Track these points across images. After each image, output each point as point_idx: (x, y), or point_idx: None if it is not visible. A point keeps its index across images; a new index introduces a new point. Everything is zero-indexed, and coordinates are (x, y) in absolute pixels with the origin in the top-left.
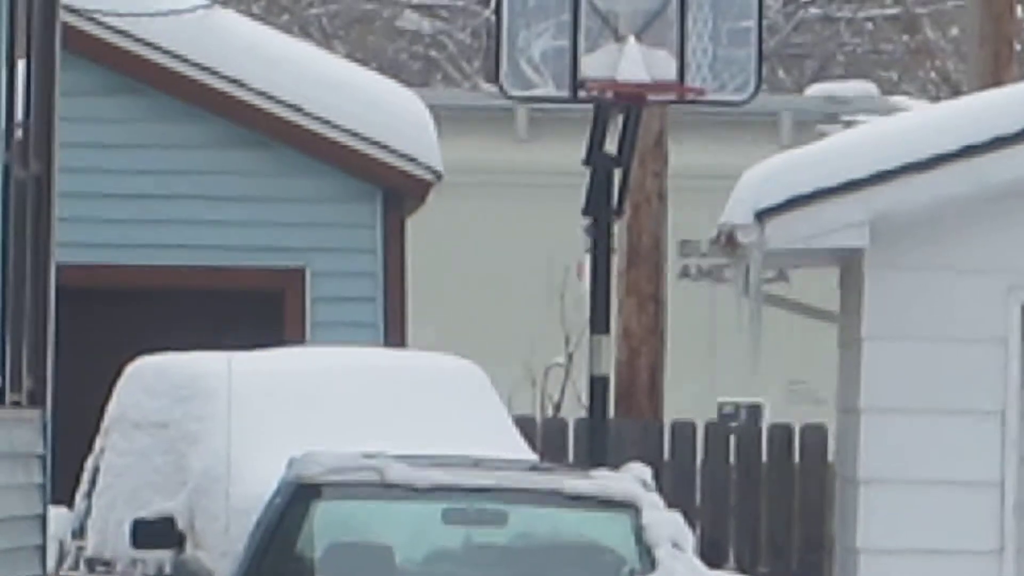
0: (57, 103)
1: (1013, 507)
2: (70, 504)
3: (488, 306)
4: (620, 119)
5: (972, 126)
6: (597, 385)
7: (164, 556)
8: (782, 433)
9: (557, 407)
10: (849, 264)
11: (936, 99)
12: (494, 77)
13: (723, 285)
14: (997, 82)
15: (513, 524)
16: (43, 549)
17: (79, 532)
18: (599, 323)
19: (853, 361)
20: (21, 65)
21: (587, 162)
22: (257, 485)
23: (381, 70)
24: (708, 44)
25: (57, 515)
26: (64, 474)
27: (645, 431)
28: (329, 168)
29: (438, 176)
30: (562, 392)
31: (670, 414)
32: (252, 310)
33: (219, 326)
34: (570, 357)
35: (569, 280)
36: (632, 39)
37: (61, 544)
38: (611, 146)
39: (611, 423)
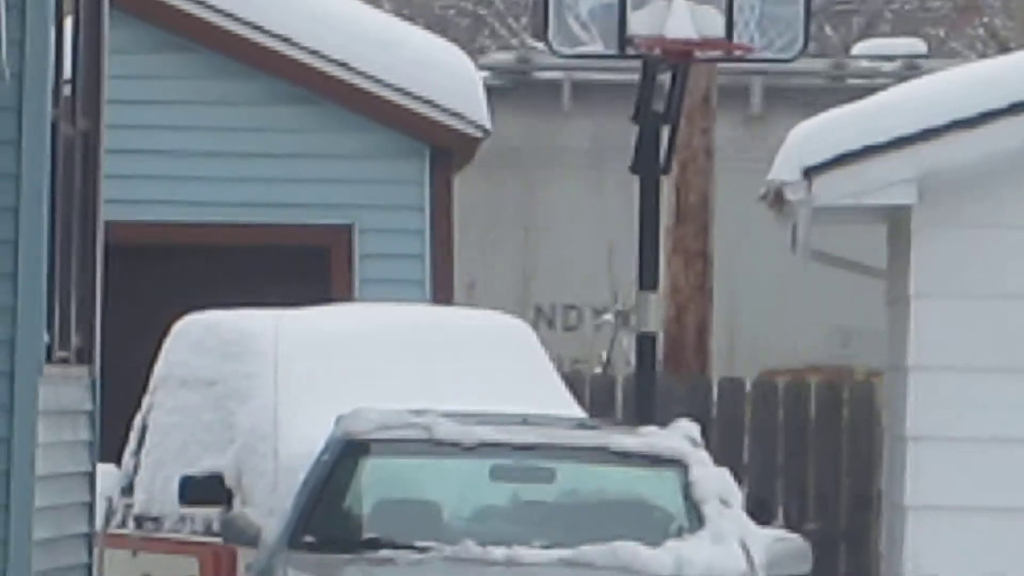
0: (105, 60)
1: None
2: (118, 462)
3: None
4: (668, 76)
5: (1020, 83)
6: (645, 342)
7: (212, 513)
8: (830, 390)
9: (606, 364)
10: (897, 221)
11: (984, 56)
12: (542, 34)
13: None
14: None
15: (561, 481)
16: (92, 506)
17: (128, 489)
18: (647, 280)
19: (902, 319)
20: (69, 22)
21: (635, 119)
22: (305, 442)
23: (428, 27)
24: (755, 1)
25: (105, 472)
26: (112, 432)
27: (693, 388)
28: (377, 125)
29: (486, 133)
30: (611, 349)
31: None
32: (299, 266)
33: (266, 283)
34: (618, 314)
35: (617, 239)
36: None
37: (110, 501)
38: (658, 104)
39: (658, 380)
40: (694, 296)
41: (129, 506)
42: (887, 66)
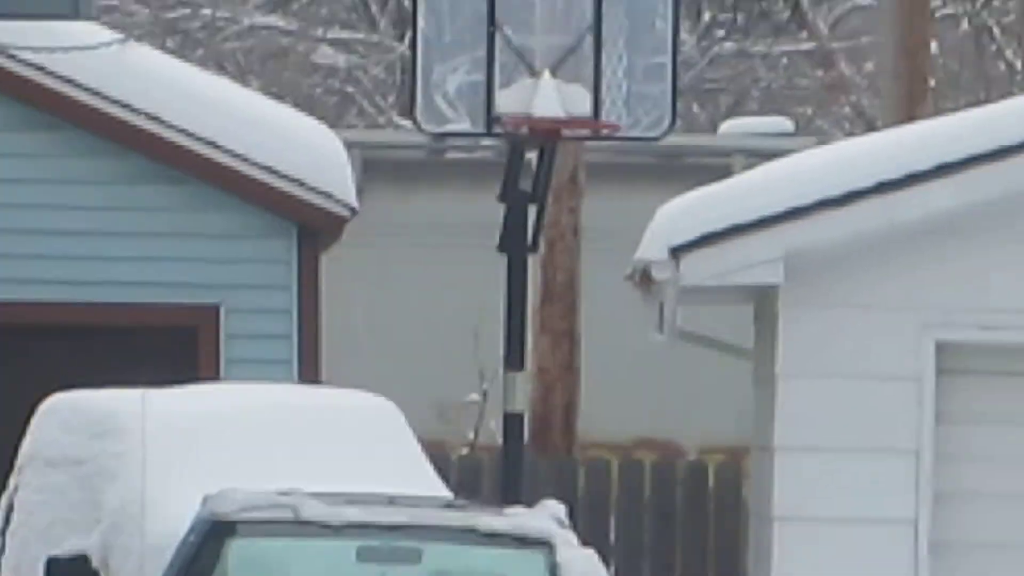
0: None
1: (927, 545)
2: None
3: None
4: (535, 155)
5: (886, 163)
6: (511, 422)
7: None
8: (697, 470)
9: (472, 445)
10: (764, 300)
11: (851, 134)
12: (409, 112)
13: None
14: (911, 118)
15: (428, 562)
16: None
17: None
18: (513, 360)
19: (767, 398)
20: None
21: (502, 198)
22: (172, 522)
23: (297, 105)
24: (623, 80)
25: None
26: None
27: (559, 468)
28: (244, 203)
29: (353, 212)
30: (477, 430)
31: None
32: (167, 346)
33: (134, 363)
34: (484, 394)
35: (482, 318)
36: (547, 74)
37: None
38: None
39: (526, 460)
40: (561, 376)
41: None
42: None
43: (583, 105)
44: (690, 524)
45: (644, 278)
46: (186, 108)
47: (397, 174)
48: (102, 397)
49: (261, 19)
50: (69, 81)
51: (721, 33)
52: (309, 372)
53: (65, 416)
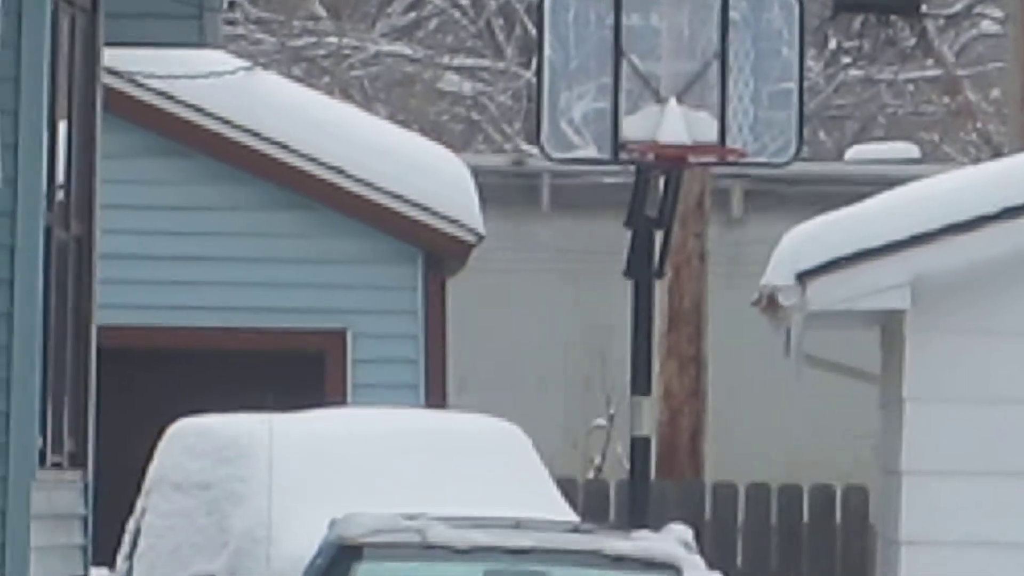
0: (98, 165)
1: None
2: (112, 565)
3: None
4: (661, 181)
5: (1012, 188)
6: (638, 446)
7: None
8: (823, 494)
9: (599, 469)
10: (890, 325)
11: (977, 160)
12: (535, 139)
13: None
14: None
15: None
16: None
17: None
18: (640, 385)
19: (894, 422)
20: (63, 127)
21: (628, 224)
22: (298, 546)
23: (422, 132)
24: (749, 106)
25: None
26: (106, 535)
27: (686, 492)
28: (371, 230)
29: (480, 238)
30: (603, 454)
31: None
32: (294, 371)
33: (261, 388)
34: (611, 419)
35: (609, 342)
36: (673, 101)
37: None
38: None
39: (652, 484)
40: (688, 400)
41: None
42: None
43: (709, 131)
44: (817, 548)
45: (771, 303)
46: (312, 135)
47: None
48: (229, 422)
49: (387, 46)
50: (196, 108)
51: (847, 60)
52: (435, 397)
53: (192, 441)
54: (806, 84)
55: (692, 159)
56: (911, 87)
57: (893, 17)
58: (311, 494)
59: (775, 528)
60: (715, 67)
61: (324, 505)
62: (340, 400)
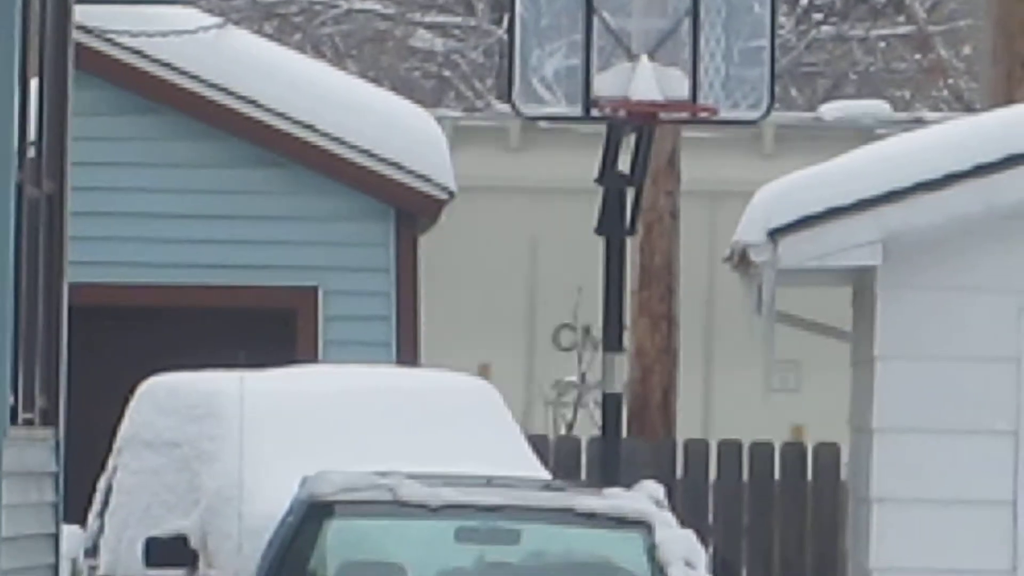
0: (69, 122)
1: None
2: (83, 523)
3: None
4: (632, 138)
5: (984, 145)
6: (610, 403)
7: (177, 574)
8: (795, 451)
9: (570, 426)
10: (862, 283)
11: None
12: (507, 96)
13: None
14: (1009, 100)
15: (526, 542)
16: (56, 568)
17: (92, 551)
18: (612, 342)
19: (866, 380)
20: (34, 84)
21: (600, 181)
22: (270, 504)
23: (394, 89)
24: (721, 63)
25: (70, 534)
26: (77, 493)
27: (658, 450)
28: (342, 187)
29: (451, 195)
30: (575, 411)
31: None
32: (265, 329)
33: (231, 345)
34: (583, 376)
35: (581, 299)
36: (644, 58)
37: (74, 563)
38: (624, 165)
39: (624, 442)
40: (659, 358)
41: (94, 567)
42: None
43: (681, 88)
44: (788, 505)
45: (742, 260)
46: (283, 92)
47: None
48: (199, 379)
49: (359, 3)
50: (167, 65)
51: (819, 16)
52: (407, 354)
53: (162, 398)
54: (778, 41)
55: (664, 116)
56: (883, 44)
57: None
58: (282, 452)
59: (746, 485)
60: (687, 24)
61: (295, 463)
62: (311, 358)
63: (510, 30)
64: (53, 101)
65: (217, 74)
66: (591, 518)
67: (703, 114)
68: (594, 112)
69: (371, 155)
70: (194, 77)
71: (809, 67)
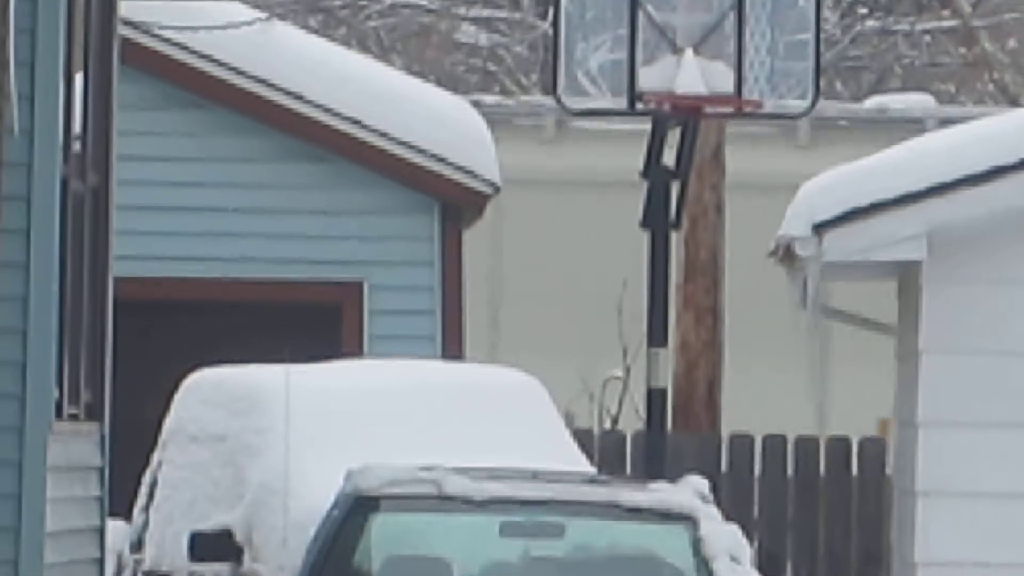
0: (115, 116)
1: None
2: (128, 517)
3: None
4: (678, 131)
5: None
6: (655, 397)
7: (222, 569)
8: (840, 445)
9: (615, 420)
10: (907, 277)
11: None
12: (551, 90)
13: None
14: None
15: (571, 536)
16: (101, 562)
17: (137, 545)
18: (657, 336)
19: (911, 374)
20: (79, 78)
21: (645, 175)
22: (315, 498)
23: (439, 83)
24: (766, 57)
25: (115, 528)
26: (122, 487)
27: (703, 444)
28: (387, 181)
29: (496, 189)
30: (620, 405)
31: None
32: (310, 323)
33: (277, 339)
34: (628, 370)
35: (626, 292)
36: (689, 52)
37: (119, 557)
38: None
39: (669, 436)
40: (704, 352)
41: (139, 562)
42: None
43: (725, 82)
44: (833, 499)
45: (787, 254)
46: (329, 86)
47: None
48: (245, 373)
49: None
50: (212, 59)
51: (864, 10)
52: (452, 348)
53: (208, 392)
54: (822, 35)
55: (708, 110)
56: (927, 37)
57: None
58: (327, 446)
59: (791, 480)
60: (731, 17)
61: (340, 457)
62: (356, 352)
63: (555, 24)
64: (98, 96)
65: (262, 69)
66: (636, 512)
67: (748, 108)
68: (639, 106)
69: (416, 149)
70: (239, 72)
71: (854, 61)
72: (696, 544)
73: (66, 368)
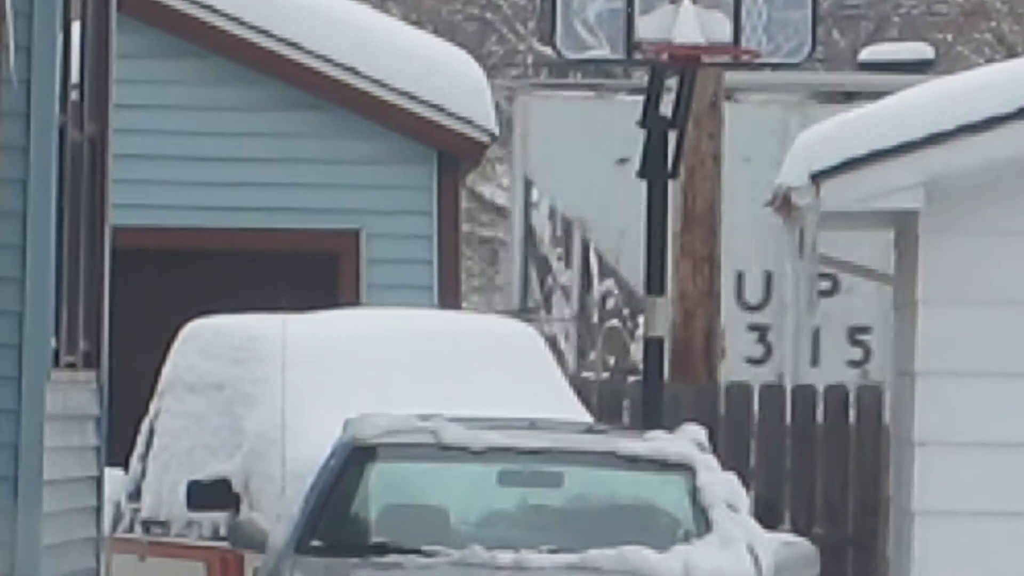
0: (112, 65)
1: None
2: (126, 466)
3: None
4: (675, 80)
5: None
6: (652, 347)
7: (219, 518)
8: (837, 395)
9: (612, 370)
10: (904, 227)
11: (991, 60)
12: (549, 38)
13: None
14: None
15: (568, 486)
16: (99, 511)
17: (135, 494)
18: (655, 285)
19: (908, 324)
20: (76, 27)
21: (643, 124)
22: (312, 447)
23: (436, 32)
24: (763, 6)
25: (113, 477)
26: (120, 436)
27: (700, 393)
28: (384, 130)
29: (494, 137)
30: (617, 355)
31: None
32: (307, 272)
33: (274, 288)
34: (625, 320)
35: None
36: (687, 1)
37: (117, 506)
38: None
39: (666, 385)
40: (702, 301)
41: (136, 510)
42: None
43: (723, 31)
44: (831, 448)
45: (784, 203)
46: (325, 35)
47: None
48: (242, 322)
49: None
50: (209, 8)
51: None
52: (449, 297)
53: (205, 341)
54: None
55: (706, 59)
56: None
57: None
58: (325, 395)
59: (789, 429)
60: None
61: (338, 406)
62: (354, 301)
63: None
64: (95, 44)
65: (259, 17)
66: (633, 461)
67: (745, 57)
68: (636, 55)
69: (413, 98)
70: (235, 20)
71: (851, 10)
72: (694, 493)
73: (64, 317)
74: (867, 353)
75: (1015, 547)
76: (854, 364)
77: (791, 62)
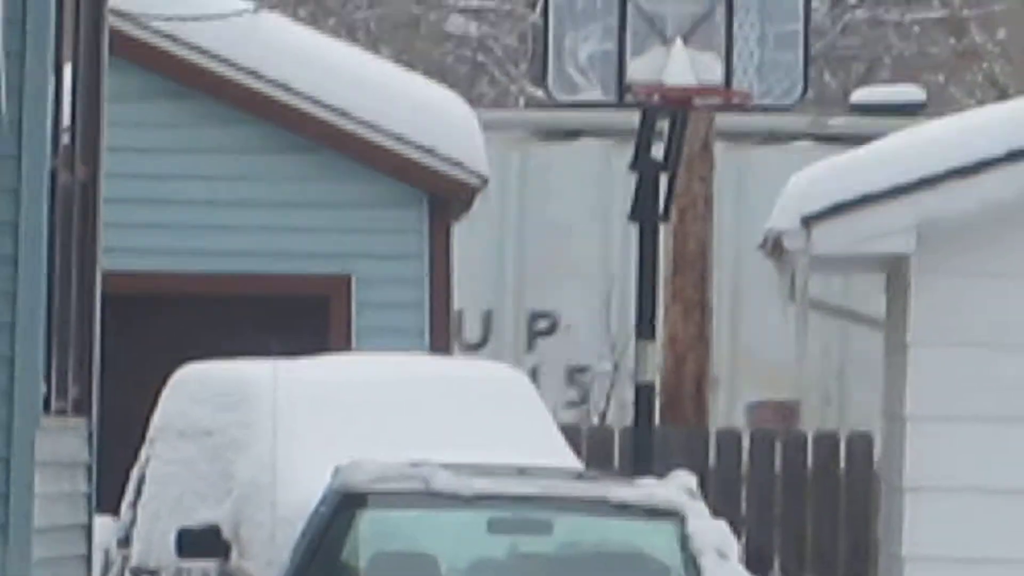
0: (104, 108)
1: None
2: (116, 513)
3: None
4: (667, 123)
5: (1018, 130)
6: (642, 392)
7: (209, 565)
8: (827, 441)
9: (603, 416)
10: (895, 270)
11: (983, 102)
12: (540, 81)
13: None
14: None
15: (558, 533)
16: (88, 558)
17: (124, 541)
18: (645, 329)
19: (899, 367)
20: (68, 69)
21: (634, 166)
22: (302, 494)
23: (427, 74)
24: (755, 47)
25: (103, 524)
26: (110, 483)
27: (690, 439)
28: (375, 173)
29: (484, 181)
30: (608, 400)
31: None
32: (297, 316)
33: (264, 333)
34: (615, 365)
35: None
36: (679, 42)
37: (107, 553)
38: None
39: (656, 431)
40: (693, 345)
41: (126, 558)
42: None
43: (715, 73)
44: (821, 495)
45: (776, 247)
46: (316, 77)
47: None
48: (232, 368)
49: None
50: (201, 50)
51: (853, 1)
52: (440, 342)
53: (195, 387)
54: (812, 25)
55: (698, 101)
56: (917, 28)
57: None
58: (315, 441)
59: (779, 476)
60: (721, 8)
61: (328, 452)
62: (344, 346)
63: (544, 14)
64: (87, 86)
65: (250, 59)
66: (624, 508)
67: (737, 99)
68: (628, 98)
69: (404, 141)
70: (227, 62)
71: (843, 51)
72: (684, 540)
73: (54, 363)
74: (585, 393)
75: None
76: (572, 404)
77: (783, 104)
